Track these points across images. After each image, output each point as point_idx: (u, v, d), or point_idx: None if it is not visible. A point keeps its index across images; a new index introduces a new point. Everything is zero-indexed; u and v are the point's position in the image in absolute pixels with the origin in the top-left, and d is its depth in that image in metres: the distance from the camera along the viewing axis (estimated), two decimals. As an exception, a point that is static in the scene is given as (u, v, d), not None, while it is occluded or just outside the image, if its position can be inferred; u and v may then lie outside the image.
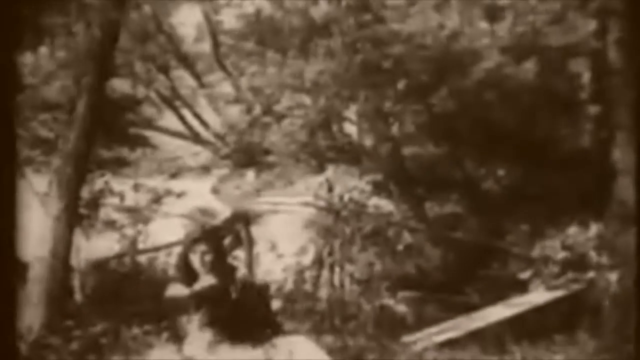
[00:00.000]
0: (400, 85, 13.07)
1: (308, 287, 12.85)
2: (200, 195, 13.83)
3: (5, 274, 8.04)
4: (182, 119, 15.00)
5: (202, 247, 8.25)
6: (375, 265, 12.85)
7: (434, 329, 11.50)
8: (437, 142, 13.95)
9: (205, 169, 15.02)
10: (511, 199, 13.57)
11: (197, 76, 15.13)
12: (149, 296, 10.92)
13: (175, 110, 14.95)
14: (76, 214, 11.27)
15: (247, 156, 14.33)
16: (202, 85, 15.05)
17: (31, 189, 11.24)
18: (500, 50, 12.95)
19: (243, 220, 12.86)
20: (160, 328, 10.03)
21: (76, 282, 12.04)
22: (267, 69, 13.73)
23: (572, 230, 12.56)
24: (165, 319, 9.60)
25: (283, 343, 8.13)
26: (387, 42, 12.81)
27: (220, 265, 8.34)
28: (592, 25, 12.94)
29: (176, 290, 8.29)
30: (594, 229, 12.50)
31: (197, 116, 15.08)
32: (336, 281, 12.79)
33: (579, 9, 12.99)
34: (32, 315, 10.58)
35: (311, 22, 13.56)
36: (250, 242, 12.17)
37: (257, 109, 13.84)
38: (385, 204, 13.72)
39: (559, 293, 12.17)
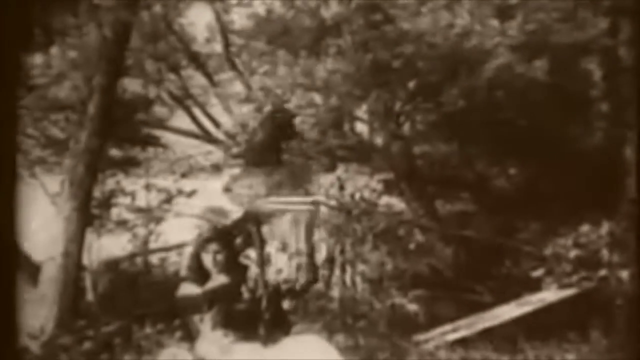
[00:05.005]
0: (411, 84, 13.07)
1: (319, 286, 12.86)
2: (212, 194, 13.82)
3: (13, 274, 8.08)
4: (193, 118, 14.99)
5: (214, 247, 8.30)
6: (387, 264, 12.85)
7: (445, 328, 11.51)
8: (448, 141, 13.94)
9: (217, 168, 15.01)
10: (523, 197, 13.55)
11: (208, 75, 15.12)
12: (161, 296, 10.95)
13: (187, 109, 14.93)
14: (88, 213, 11.31)
15: (259, 155, 14.33)
16: (213, 84, 15.04)
17: (43, 189, 11.28)
18: (510, 48, 12.93)
19: (254, 219, 12.85)
20: (172, 327, 10.07)
21: (88, 282, 12.06)
22: (278, 68, 13.73)
23: (584, 228, 12.55)
24: (177, 318, 9.64)
25: (295, 342, 8.15)
26: (397, 42, 12.81)
27: (232, 265, 8.38)
28: (603, 23, 12.92)
29: (188, 289, 8.33)
30: (605, 227, 12.48)
31: (209, 115, 15.07)
32: (348, 280, 12.79)
33: (590, 7, 12.97)
34: (44, 315, 10.62)
35: (322, 22, 13.56)
36: (262, 241, 12.15)
37: (268, 108, 13.84)
38: (397, 203, 13.72)
39: (571, 291, 12.16)
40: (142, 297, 11.86)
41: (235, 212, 9.91)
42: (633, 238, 11.75)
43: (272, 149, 13.77)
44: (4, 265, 8.08)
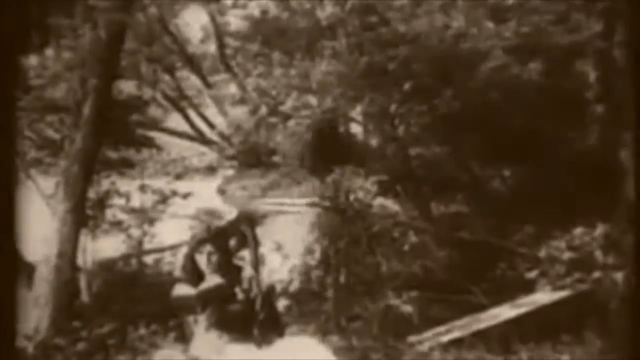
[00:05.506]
0: (406, 86, 13.08)
1: (314, 287, 12.87)
2: (206, 196, 13.84)
3: (10, 274, 8.07)
4: (188, 119, 15.04)
5: (208, 248, 8.28)
6: (381, 265, 12.86)
7: (439, 329, 11.50)
8: (442, 143, 13.95)
9: (211, 170, 15.06)
10: (517, 199, 13.57)
11: (203, 77, 15.17)
12: (156, 297, 10.94)
13: (181, 111, 14.98)
14: (83, 214, 11.30)
15: (253, 157, 14.36)
16: (208, 86, 15.08)
17: (38, 190, 11.29)
18: (505, 50, 12.95)
19: (249, 220, 12.88)
20: (166, 328, 10.08)
21: (82, 283, 12.06)
22: (273, 70, 13.75)
23: (578, 230, 12.56)
24: (171, 319, 9.65)
25: (289, 344, 8.15)
26: (392, 44, 12.82)
27: (226, 266, 8.36)
28: (598, 25, 12.95)
29: (182, 290, 8.32)
30: (600, 229, 12.50)
31: (203, 117, 15.11)
32: (342, 281, 12.80)
33: (584, 9, 12.99)
34: (38, 316, 10.62)
35: (317, 24, 13.58)
36: (256, 243, 12.17)
37: (263, 110, 13.85)
38: (391, 204, 13.73)
39: (565, 293, 12.17)
40: (136, 298, 11.86)
41: (229, 213, 9.91)
42: (628, 240, 11.75)
43: (317, 160, 13.83)
44: (3, 267, 8.06)
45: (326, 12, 13.54)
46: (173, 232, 12.51)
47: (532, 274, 12.50)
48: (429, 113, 13.37)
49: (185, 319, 8.61)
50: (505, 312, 11.86)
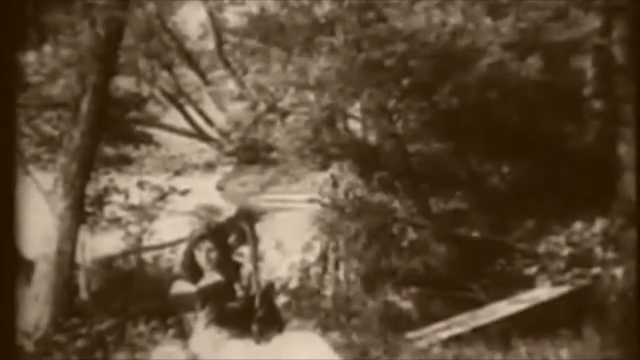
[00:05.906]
0: (404, 82, 13.07)
1: (313, 283, 12.87)
2: (205, 192, 13.84)
3: (9, 271, 8.06)
4: (186, 116, 15.03)
5: (207, 245, 8.26)
6: (380, 261, 12.85)
7: (439, 325, 11.49)
8: (441, 139, 13.95)
9: (210, 166, 15.06)
10: (516, 195, 13.57)
11: (201, 74, 15.16)
12: (155, 293, 10.92)
13: (180, 107, 14.97)
14: (81, 211, 11.28)
15: (252, 153, 14.36)
16: (206, 82, 15.07)
17: (36, 187, 11.26)
18: (503, 46, 12.94)
19: (248, 217, 12.88)
20: (166, 325, 10.06)
21: (81, 280, 12.04)
22: (271, 66, 13.75)
23: (578, 226, 12.56)
24: (171, 316, 9.63)
25: (289, 339, 8.14)
26: (390, 40, 12.81)
27: (226, 262, 8.35)
28: (596, 22, 12.94)
29: (182, 287, 8.31)
30: (599, 224, 12.49)
31: (202, 113, 15.11)
32: (341, 278, 12.80)
33: (583, 5, 12.99)
34: (37, 312, 10.60)
35: (315, 20, 13.57)
36: (255, 239, 12.15)
37: (262, 106, 13.86)
38: (390, 200, 13.73)
39: (564, 289, 12.17)
40: (135, 294, 11.84)
41: (228, 210, 9.92)
42: (628, 236, 11.76)
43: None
44: (3, 265, 8.05)
45: (324, 8, 13.54)
46: (172, 228, 12.52)
47: (532, 270, 12.49)
48: (427, 109, 13.37)
49: (184, 315, 8.61)
50: (504, 308, 11.85)
